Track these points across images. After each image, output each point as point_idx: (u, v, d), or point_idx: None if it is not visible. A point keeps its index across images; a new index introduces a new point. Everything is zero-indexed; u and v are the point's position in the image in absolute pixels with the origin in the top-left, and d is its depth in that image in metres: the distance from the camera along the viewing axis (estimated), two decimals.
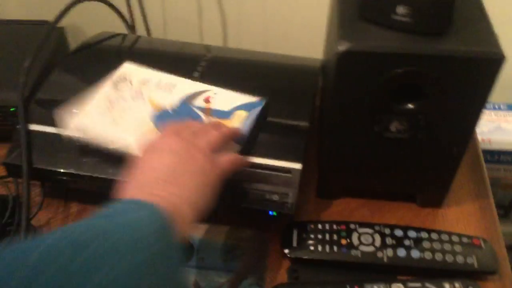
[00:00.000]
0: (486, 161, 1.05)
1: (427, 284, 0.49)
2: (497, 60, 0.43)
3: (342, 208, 0.59)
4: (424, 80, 0.45)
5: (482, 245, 0.52)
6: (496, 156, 1.03)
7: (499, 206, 1.15)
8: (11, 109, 0.61)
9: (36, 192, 0.59)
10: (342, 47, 0.44)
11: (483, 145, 1.03)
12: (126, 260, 0.30)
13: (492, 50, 0.43)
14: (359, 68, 0.45)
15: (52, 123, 0.55)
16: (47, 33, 0.61)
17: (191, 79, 0.58)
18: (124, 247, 0.31)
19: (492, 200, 0.60)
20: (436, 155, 0.52)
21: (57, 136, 0.55)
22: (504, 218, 1.17)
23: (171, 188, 0.39)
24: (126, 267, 0.30)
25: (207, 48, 0.68)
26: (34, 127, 0.56)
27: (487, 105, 1.10)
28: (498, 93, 1.15)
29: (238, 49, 0.71)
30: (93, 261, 0.29)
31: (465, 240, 0.52)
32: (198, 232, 0.56)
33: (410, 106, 0.48)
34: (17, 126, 0.55)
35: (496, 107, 1.09)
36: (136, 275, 0.30)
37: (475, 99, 0.47)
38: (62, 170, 0.53)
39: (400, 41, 0.44)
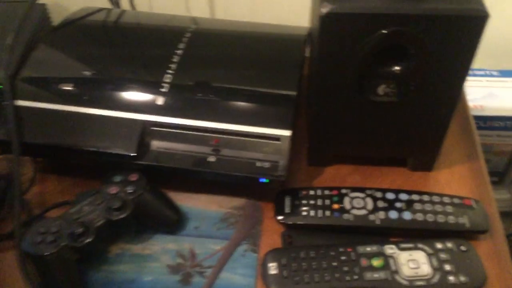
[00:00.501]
0: (479, 127, 1.06)
1: (419, 245, 0.49)
2: (481, 17, 0.43)
3: (334, 174, 0.60)
4: (408, 40, 0.45)
5: (474, 205, 0.53)
6: (488, 122, 1.04)
7: (493, 173, 1.16)
8: None
9: (28, 168, 0.59)
10: (325, 9, 0.44)
11: (475, 112, 1.04)
12: None
13: (476, 7, 0.43)
14: (343, 30, 0.45)
15: (39, 99, 0.55)
16: (28, 9, 0.60)
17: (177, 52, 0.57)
18: None
19: (483, 162, 0.60)
20: (425, 117, 0.52)
21: (44, 111, 0.54)
22: (498, 185, 1.18)
23: None
24: None
25: (193, 20, 0.67)
26: (20, 102, 0.55)
27: (479, 72, 1.10)
28: (490, 60, 1.15)
29: (224, 20, 0.70)
30: None
31: (456, 201, 0.53)
32: (192, 202, 0.57)
33: (397, 68, 0.48)
34: (4, 103, 0.55)
35: (488, 73, 1.09)
36: None
37: (461, 58, 0.47)
38: (51, 144, 0.53)
39: (384, 2, 0.44)
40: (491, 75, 1.09)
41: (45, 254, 0.47)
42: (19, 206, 0.51)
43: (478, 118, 1.03)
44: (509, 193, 1.17)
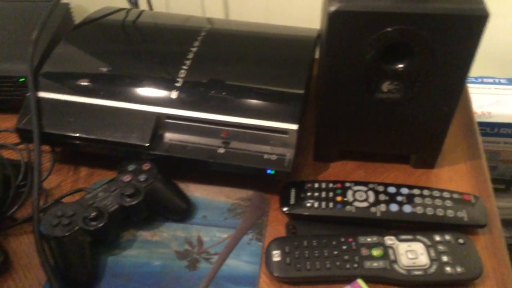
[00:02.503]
0: (487, 134, 1.07)
1: (418, 236, 0.51)
2: (482, 17, 0.45)
3: (339, 170, 0.62)
4: (412, 38, 0.47)
5: (473, 200, 0.54)
6: (496, 129, 1.05)
7: (499, 180, 1.16)
8: (21, 80, 0.64)
9: (47, 158, 0.62)
10: (333, 7, 0.46)
11: (483, 118, 1.05)
12: None
13: (477, 7, 0.45)
14: (350, 28, 0.47)
15: (59, 91, 0.58)
16: (52, 7, 0.64)
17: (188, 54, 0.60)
18: None
19: (484, 161, 0.61)
20: (428, 115, 0.54)
21: (65, 103, 0.58)
22: (505, 192, 1.19)
23: None
24: None
25: (208, 20, 0.70)
26: (42, 94, 0.58)
27: (488, 80, 1.12)
28: (498, 68, 1.17)
29: (238, 21, 0.73)
30: None
31: (456, 196, 0.55)
32: (201, 192, 0.59)
33: (400, 65, 0.50)
34: (27, 94, 0.58)
35: (497, 81, 1.11)
36: None
37: (462, 56, 0.49)
38: (70, 134, 0.56)
39: (389, 1, 0.46)
40: (500, 83, 1.10)
41: (60, 235, 0.49)
42: (38, 192, 0.54)
43: (486, 125, 1.04)
44: None
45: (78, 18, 0.77)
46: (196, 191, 0.59)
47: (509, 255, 1.21)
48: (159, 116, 0.57)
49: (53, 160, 0.61)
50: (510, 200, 1.19)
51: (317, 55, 0.64)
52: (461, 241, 0.51)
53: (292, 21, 0.80)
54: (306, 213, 0.55)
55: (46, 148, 0.63)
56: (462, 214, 0.53)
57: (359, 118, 0.56)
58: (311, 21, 0.71)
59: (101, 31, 0.67)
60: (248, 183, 0.59)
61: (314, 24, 0.69)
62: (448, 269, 0.49)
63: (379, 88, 0.52)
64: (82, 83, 0.59)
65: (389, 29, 0.47)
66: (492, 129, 1.05)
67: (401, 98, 0.53)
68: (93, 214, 0.50)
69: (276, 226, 0.56)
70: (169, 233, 0.55)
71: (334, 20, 0.47)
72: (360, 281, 0.48)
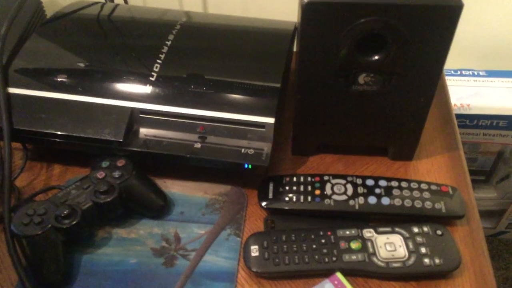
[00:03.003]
0: (466, 126, 1.08)
1: (397, 229, 0.51)
2: (456, 7, 0.45)
3: (318, 163, 0.61)
4: (387, 29, 0.47)
5: (450, 191, 0.54)
6: (475, 120, 1.06)
7: (479, 171, 1.18)
8: None
9: (19, 156, 0.60)
10: None
11: (462, 110, 1.06)
12: None
13: None
14: (324, 19, 0.47)
15: (30, 87, 0.57)
16: (22, 1, 0.62)
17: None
18: None
19: (462, 152, 0.62)
20: (404, 107, 0.54)
21: (36, 99, 0.56)
22: (485, 184, 1.20)
23: None
24: None
25: (184, 14, 0.69)
26: (12, 90, 0.57)
27: (466, 72, 1.13)
28: (477, 60, 1.18)
29: (215, 14, 0.72)
30: None
31: (433, 187, 0.55)
32: (178, 188, 0.58)
33: (376, 57, 0.50)
34: None
35: (475, 73, 1.12)
36: None
37: (437, 47, 0.48)
38: (41, 130, 0.55)
39: None
40: (478, 75, 1.11)
41: (31, 234, 0.48)
42: (8, 190, 0.52)
43: (465, 117, 1.05)
44: (496, 191, 1.19)
45: (50, 13, 0.75)
46: (173, 187, 0.58)
47: (490, 246, 1.23)
48: (133, 111, 0.55)
49: (25, 158, 0.59)
50: (490, 191, 1.21)
51: (295, 48, 0.63)
52: (439, 232, 0.51)
53: (271, 14, 0.80)
54: (284, 208, 0.54)
55: (18, 145, 0.61)
56: (440, 206, 0.53)
57: (337, 111, 0.56)
58: (291, 14, 0.70)
59: (74, 25, 0.65)
60: (226, 178, 0.59)
61: (293, 17, 0.69)
62: (426, 260, 0.48)
63: (355, 80, 0.52)
64: (53, 78, 0.57)
65: (363, 20, 0.46)
66: (472, 121, 1.06)
67: (377, 91, 0.52)
68: (66, 212, 0.49)
69: (255, 221, 0.55)
70: (146, 230, 0.54)
71: (308, 11, 0.46)
72: (338, 274, 0.48)
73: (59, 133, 0.55)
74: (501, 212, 1.21)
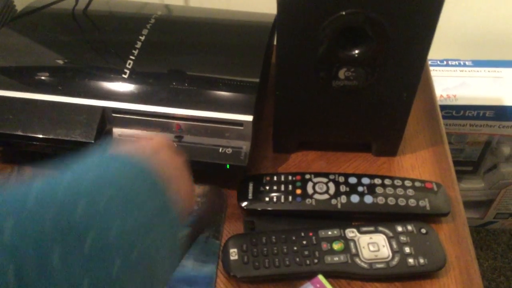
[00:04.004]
0: (452, 117, 1.07)
1: (380, 228, 0.50)
2: None
3: (300, 161, 0.59)
4: (367, 22, 0.45)
5: (435, 188, 0.53)
6: (462, 111, 1.04)
7: (467, 162, 1.17)
8: None
9: None
10: None
11: (448, 101, 1.04)
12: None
13: None
14: (302, 13, 0.45)
15: None
16: None
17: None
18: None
19: (447, 146, 0.60)
20: (387, 102, 0.52)
21: (2, 99, 0.53)
22: (473, 174, 1.20)
23: None
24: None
25: (161, 7, 0.66)
26: None
27: (452, 62, 1.11)
28: (463, 50, 1.16)
29: (193, 7, 0.69)
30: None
31: (417, 184, 0.53)
32: None
33: (356, 51, 0.48)
34: None
35: (461, 63, 1.10)
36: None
37: (419, 40, 0.46)
38: (9, 132, 0.52)
39: None
40: (464, 65, 1.10)
41: None
42: None
43: (451, 108, 1.04)
44: (483, 182, 1.18)
45: (21, 7, 0.72)
46: None
47: (478, 236, 1.22)
48: (105, 110, 0.53)
49: None
50: (477, 182, 1.20)
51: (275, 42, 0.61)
52: (423, 231, 0.49)
53: (255, 7, 0.77)
54: (264, 208, 0.52)
55: None
56: (424, 203, 0.51)
57: (317, 107, 0.54)
58: (274, 7, 0.68)
59: (45, 20, 0.62)
60: (204, 178, 0.56)
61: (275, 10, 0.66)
62: (410, 260, 0.47)
63: (336, 75, 0.50)
64: (21, 77, 0.55)
65: (342, 13, 0.44)
66: (458, 112, 1.05)
67: (358, 85, 0.50)
68: None
69: (234, 222, 0.53)
70: None
71: (284, 5, 0.44)
72: (320, 277, 0.46)
73: (27, 134, 0.52)
74: (489, 202, 1.20)
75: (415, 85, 0.51)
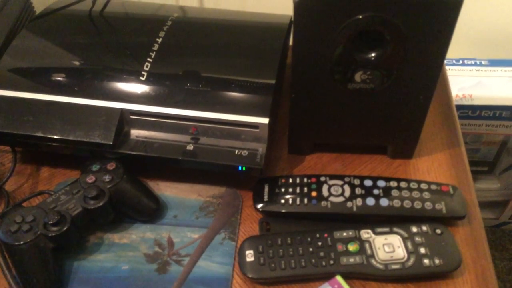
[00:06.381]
0: (468, 117, 1.06)
1: (395, 229, 0.50)
2: (456, 2, 0.43)
3: (315, 163, 0.60)
4: (384, 26, 0.45)
5: (451, 191, 0.53)
6: (478, 111, 1.03)
7: (482, 162, 1.16)
8: None
9: (9, 158, 0.59)
10: None
11: (464, 101, 1.04)
12: None
13: None
14: (318, 16, 0.45)
15: (17, 88, 0.55)
16: None
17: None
18: None
19: (463, 148, 0.60)
20: (403, 104, 0.52)
21: (23, 101, 0.54)
22: (488, 174, 1.19)
23: None
24: None
25: (177, 9, 0.67)
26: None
27: (469, 62, 1.10)
28: (479, 49, 1.15)
29: (208, 8, 0.70)
30: None
31: (433, 187, 0.53)
32: (171, 191, 0.57)
33: (373, 54, 0.48)
34: None
35: (478, 63, 1.09)
36: None
37: (437, 43, 0.46)
38: (29, 134, 0.53)
39: None
40: (481, 64, 1.09)
41: (20, 243, 0.47)
42: None
43: (467, 108, 1.03)
44: (499, 182, 1.17)
45: (39, 9, 0.73)
46: (166, 190, 0.57)
47: (493, 236, 1.21)
48: (123, 112, 0.54)
49: (14, 161, 0.58)
50: (493, 182, 1.19)
51: (291, 42, 0.61)
52: (438, 231, 0.49)
53: (270, 8, 0.77)
54: (280, 210, 0.53)
55: (7, 148, 0.60)
56: (441, 206, 0.51)
57: (333, 109, 0.54)
58: (288, 9, 0.68)
59: (63, 22, 0.63)
60: (220, 180, 0.57)
61: (290, 11, 0.66)
62: (426, 261, 0.47)
63: (352, 78, 0.50)
64: (41, 79, 0.56)
65: (359, 16, 0.44)
66: (474, 112, 1.04)
67: (375, 88, 0.50)
68: (55, 219, 0.48)
69: (250, 224, 0.54)
70: (138, 235, 0.53)
71: (301, 8, 0.44)
72: (338, 278, 0.47)
73: (47, 136, 0.53)
74: (505, 202, 1.19)
75: (432, 88, 0.51)
